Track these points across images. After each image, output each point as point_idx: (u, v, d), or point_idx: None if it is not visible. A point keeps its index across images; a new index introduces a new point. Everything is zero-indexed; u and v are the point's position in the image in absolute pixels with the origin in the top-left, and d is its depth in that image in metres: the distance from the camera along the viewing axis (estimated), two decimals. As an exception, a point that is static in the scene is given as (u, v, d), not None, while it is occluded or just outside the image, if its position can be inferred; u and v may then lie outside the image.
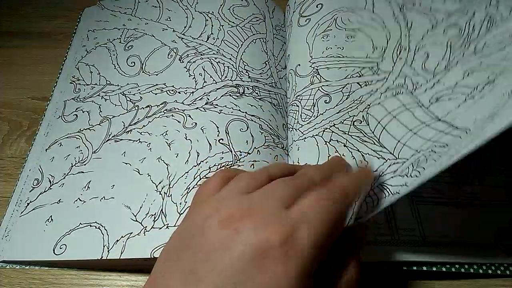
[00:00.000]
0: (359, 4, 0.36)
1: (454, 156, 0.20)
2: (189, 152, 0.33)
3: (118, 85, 0.39)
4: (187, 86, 0.37)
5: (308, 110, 0.34)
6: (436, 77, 0.27)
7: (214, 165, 0.32)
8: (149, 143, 0.34)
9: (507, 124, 0.18)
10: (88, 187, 0.32)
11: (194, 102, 0.36)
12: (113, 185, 0.32)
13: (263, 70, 0.39)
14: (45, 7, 0.49)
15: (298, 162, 0.32)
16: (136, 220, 0.30)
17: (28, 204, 0.32)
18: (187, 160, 0.33)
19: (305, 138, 0.33)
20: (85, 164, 0.34)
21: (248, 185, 0.22)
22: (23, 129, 0.39)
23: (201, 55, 0.39)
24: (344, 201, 0.22)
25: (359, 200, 0.25)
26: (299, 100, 0.35)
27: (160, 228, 0.30)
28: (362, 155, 0.29)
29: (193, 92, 0.37)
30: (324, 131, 0.32)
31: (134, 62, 0.40)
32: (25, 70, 0.43)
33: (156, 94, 0.37)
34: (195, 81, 0.38)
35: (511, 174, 0.34)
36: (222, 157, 0.33)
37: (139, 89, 0.38)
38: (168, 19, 0.43)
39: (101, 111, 0.37)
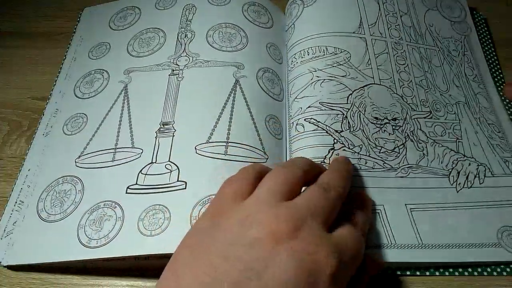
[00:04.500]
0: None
1: None
2: None
3: None
4: None
5: None
6: None
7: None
8: None
9: None
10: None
11: None
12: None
13: None
14: (45, 7, 0.49)
15: None
16: None
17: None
18: None
19: None
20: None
21: (282, 189, 0.23)
22: (23, 129, 0.39)
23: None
24: (364, 234, 0.26)
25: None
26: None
27: None
28: None
29: None
30: None
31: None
32: (25, 70, 0.43)
33: None
34: None
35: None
36: None
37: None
38: None
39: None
